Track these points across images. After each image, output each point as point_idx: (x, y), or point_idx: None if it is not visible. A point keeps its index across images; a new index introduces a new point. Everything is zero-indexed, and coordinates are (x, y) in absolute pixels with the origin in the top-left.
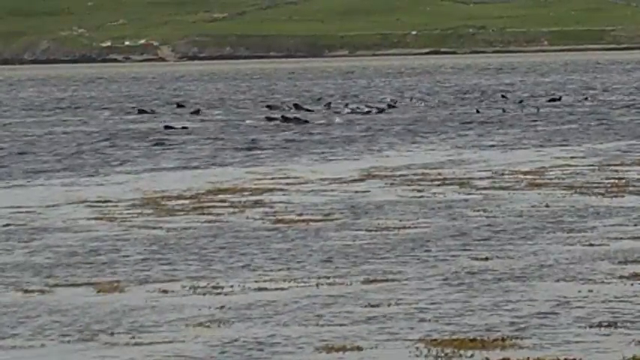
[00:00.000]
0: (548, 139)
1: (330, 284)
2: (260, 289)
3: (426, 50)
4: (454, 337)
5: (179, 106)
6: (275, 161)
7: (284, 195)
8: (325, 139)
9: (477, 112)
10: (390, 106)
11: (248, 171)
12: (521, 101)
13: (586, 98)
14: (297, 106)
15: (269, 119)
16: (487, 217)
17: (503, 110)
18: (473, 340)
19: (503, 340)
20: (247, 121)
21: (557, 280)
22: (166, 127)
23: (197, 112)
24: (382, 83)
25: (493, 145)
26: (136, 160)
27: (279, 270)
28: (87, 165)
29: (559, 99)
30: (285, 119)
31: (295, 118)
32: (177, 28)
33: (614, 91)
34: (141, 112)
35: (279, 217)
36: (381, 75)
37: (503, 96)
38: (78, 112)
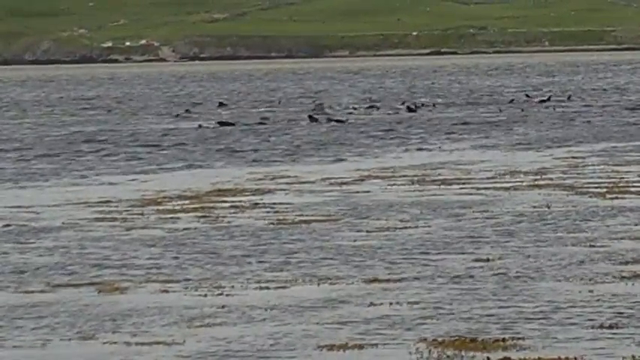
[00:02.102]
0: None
1: (331, 284)
2: (261, 289)
3: (427, 51)
4: (455, 337)
5: (221, 105)
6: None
7: (286, 195)
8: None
9: (500, 110)
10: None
11: (250, 171)
12: (511, 100)
13: (569, 97)
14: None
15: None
16: (488, 217)
17: (522, 110)
18: (474, 341)
19: (504, 340)
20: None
21: (558, 281)
22: (200, 127)
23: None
24: (393, 83)
25: (513, 145)
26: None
27: (281, 270)
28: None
29: (548, 99)
30: (311, 119)
31: (329, 118)
32: (177, 29)
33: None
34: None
35: (280, 217)
36: (388, 75)
37: (527, 95)
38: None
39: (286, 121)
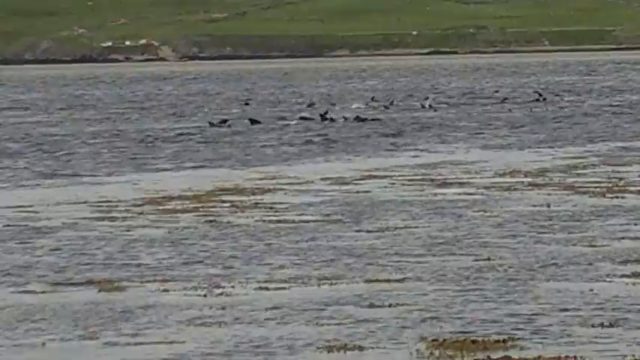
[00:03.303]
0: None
1: (331, 284)
2: (261, 289)
3: (427, 50)
4: (455, 337)
5: (246, 104)
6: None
7: (285, 195)
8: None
9: (510, 110)
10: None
11: (251, 170)
12: (505, 99)
13: (562, 98)
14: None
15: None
16: (488, 217)
17: (530, 109)
18: (474, 341)
19: (504, 340)
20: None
21: (558, 280)
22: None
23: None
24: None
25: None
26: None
27: (281, 270)
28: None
29: (544, 99)
30: (323, 118)
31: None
32: (177, 28)
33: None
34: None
35: (281, 218)
36: (400, 75)
37: (539, 94)
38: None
39: (299, 119)
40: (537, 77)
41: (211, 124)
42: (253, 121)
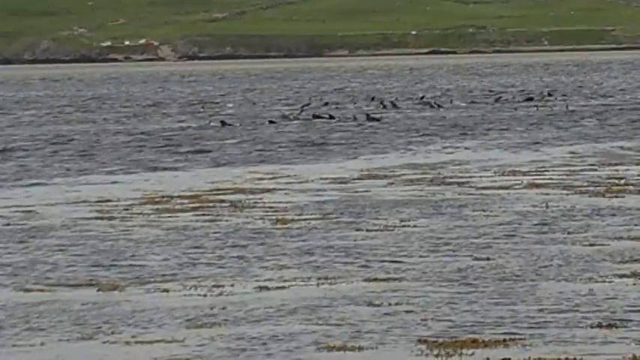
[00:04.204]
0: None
1: (331, 284)
2: (260, 289)
3: (426, 50)
4: (455, 337)
5: (254, 103)
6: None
7: (285, 194)
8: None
9: (515, 109)
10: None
11: (249, 170)
12: (498, 99)
13: (551, 95)
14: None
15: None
16: (488, 217)
17: (537, 108)
18: (474, 340)
19: (504, 340)
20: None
21: (558, 280)
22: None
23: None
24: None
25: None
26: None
27: (280, 270)
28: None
29: (543, 97)
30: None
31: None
32: (177, 28)
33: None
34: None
35: (280, 217)
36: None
37: (549, 94)
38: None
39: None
40: (537, 77)
41: (223, 124)
42: (271, 122)
